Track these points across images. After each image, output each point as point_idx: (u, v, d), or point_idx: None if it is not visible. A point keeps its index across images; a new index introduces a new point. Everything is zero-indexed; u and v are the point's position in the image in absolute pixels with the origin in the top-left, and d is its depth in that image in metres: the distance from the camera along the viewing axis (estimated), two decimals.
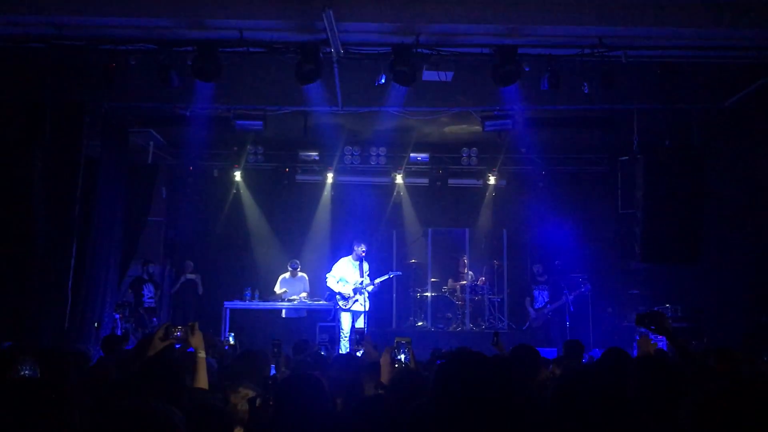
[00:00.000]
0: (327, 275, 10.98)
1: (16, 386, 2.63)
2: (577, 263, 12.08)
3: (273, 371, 5.45)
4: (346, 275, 10.80)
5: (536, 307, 11.70)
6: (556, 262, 11.90)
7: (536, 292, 11.80)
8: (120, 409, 1.92)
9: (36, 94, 8.10)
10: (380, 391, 3.79)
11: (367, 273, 10.85)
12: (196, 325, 3.84)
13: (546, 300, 11.63)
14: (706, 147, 9.48)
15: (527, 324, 11.97)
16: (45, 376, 3.23)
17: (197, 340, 3.80)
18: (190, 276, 12.12)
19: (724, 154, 9.56)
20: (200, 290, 12.13)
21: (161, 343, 3.74)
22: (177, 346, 3.96)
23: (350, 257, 10.91)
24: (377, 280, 10.84)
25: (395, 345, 4.08)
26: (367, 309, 10.73)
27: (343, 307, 10.71)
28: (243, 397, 3.59)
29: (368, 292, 10.72)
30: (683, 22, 7.09)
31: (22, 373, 3.12)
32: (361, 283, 10.69)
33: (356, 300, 10.68)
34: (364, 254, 10.81)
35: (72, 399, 2.56)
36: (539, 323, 11.62)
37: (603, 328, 11.45)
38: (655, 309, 4.68)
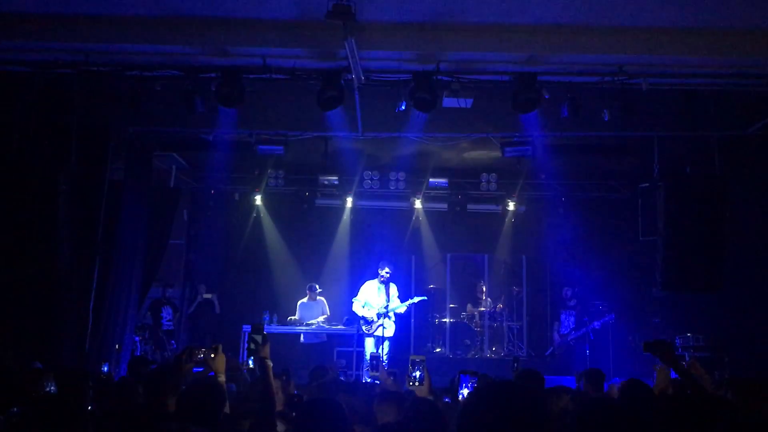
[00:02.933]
0: (353, 299, 11.03)
1: (40, 402, 2.72)
2: (597, 291, 11.97)
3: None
4: (371, 299, 10.81)
5: (562, 332, 11.59)
6: (576, 290, 11.81)
7: (563, 316, 11.69)
8: None
9: (63, 119, 8.26)
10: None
11: (396, 295, 10.87)
12: (220, 347, 3.86)
13: (572, 326, 11.52)
14: (729, 174, 9.40)
15: (550, 350, 11.84)
16: (63, 393, 3.32)
17: (219, 363, 3.81)
18: (206, 296, 12.13)
19: (747, 182, 9.48)
20: (217, 309, 12.13)
21: (184, 366, 3.77)
22: (199, 369, 3.98)
23: (375, 280, 10.95)
24: (404, 304, 10.83)
25: (410, 363, 4.12)
26: (391, 335, 10.74)
27: (366, 332, 10.69)
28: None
29: (394, 315, 10.75)
30: (704, 49, 7.10)
31: (47, 389, 3.22)
32: (386, 306, 10.70)
33: (380, 325, 10.65)
34: (388, 276, 10.83)
35: (87, 414, 2.63)
36: (562, 350, 11.50)
37: (624, 356, 11.30)
38: (663, 338, 4.63)
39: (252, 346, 3.77)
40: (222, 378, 3.76)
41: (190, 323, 12.38)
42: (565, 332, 11.55)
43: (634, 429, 2.48)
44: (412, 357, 4.13)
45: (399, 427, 3.52)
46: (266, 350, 3.79)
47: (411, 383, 4.07)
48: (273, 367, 3.83)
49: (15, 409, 2.55)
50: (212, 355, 3.79)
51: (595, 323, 11.22)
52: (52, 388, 3.25)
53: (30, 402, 2.79)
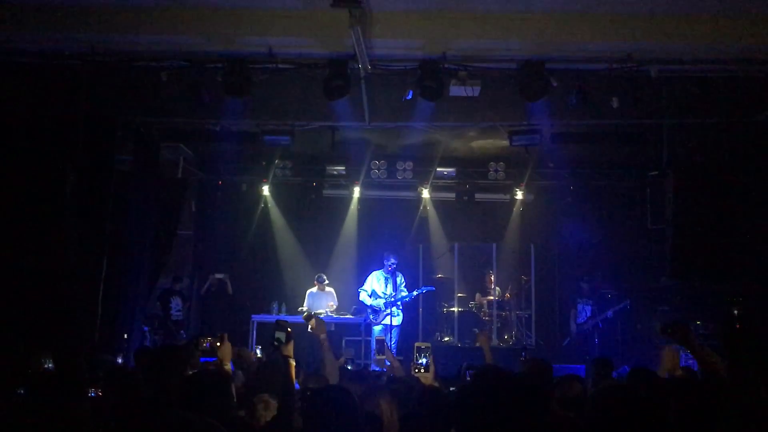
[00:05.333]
0: (360, 290, 11.14)
1: (40, 377, 2.78)
2: (605, 279, 11.94)
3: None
4: (377, 289, 10.98)
5: (578, 322, 11.57)
6: (585, 278, 11.79)
7: (579, 306, 11.66)
8: (162, 422, 1.95)
9: (69, 110, 8.27)
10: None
11: (403, 285, 10.99)
12: (225, 336, 3.88)
13: (588, 315, 11.50)
14: (738, 162, 9.33)
15: (567, 340, 11.81)
16: (61, 372, 3.39)
17: (223, 352, 3.83)
18: (218, 276, 12.09)
19: (757, 169, 9.40)
20: (230, 290, 12.11)
21: (193, 356, 3.80)
22: (211, 359, 4.01)
23: (381, 271, 11.10)
24: (408, 297, 10.98)
25: (415, 350, 4.16)
26: (399, 323, 10.91)
27: (374, 321, 10.85)
28: (265, 404, 3.64)
29: (402, 304, 10.85)
30: (714, 35, 7.03)
31: (46, 366, 3.29)
32: (393, 296, 10.83)
33: (387, 314, 10.81)
34: (393, 267, 10.94)
35: (84, 391, 2.69)
36: (580, 339, 11.48)
37: (632, 345, 11.28)
38: (681, 322, 4.55)
39: (276, 343, 3.77)
40: (227, 366, 3.78)
41: (202, 305, 12.39)
42: (582, 321, 11.53)
43: (647, 414, 2.48)
44: (417, 344, 4.18)
45: (408, 417, 3.53)
46: (290, 348, 3.77)
47: (416, 370, 4.11)
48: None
49: (21, 391, 2.60)
50: (218, 344, 3.82)
51: (609, 312, 11.23)
52: (50, 365, 3.32)
53: (28, 378, 2.85)
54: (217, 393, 3.15)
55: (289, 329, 3.83)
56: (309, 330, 4.53)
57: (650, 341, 11.04)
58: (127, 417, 3.08)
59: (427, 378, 4.23)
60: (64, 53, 7.52)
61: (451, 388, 4.93)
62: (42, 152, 8.27)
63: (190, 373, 3.66)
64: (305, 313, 9.26)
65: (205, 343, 3.83)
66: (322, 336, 4.43)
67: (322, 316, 11.33)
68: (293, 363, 3.75)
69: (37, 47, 7.51)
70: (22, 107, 8.10)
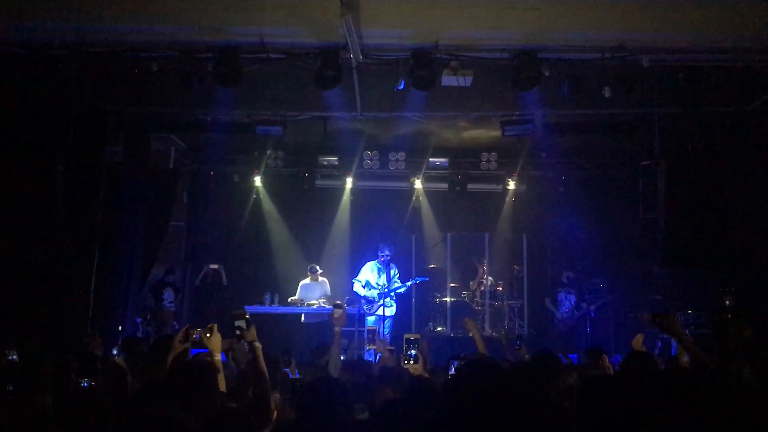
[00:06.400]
0: (354, 280, 11.18)
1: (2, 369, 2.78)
2: (598, 268, 11.97)
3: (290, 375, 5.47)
4: (371, 280, 11.02)
5: (562, 311, 11.61)
6: (577, 268, 11.82)
7: (561, 296, 11.70)
8: (137, 416, 1.95)
9: (59, 101, 8.21)
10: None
11: (397, 276, 11.01)
12: (215, 327, 3.86)
13: (573, 305, 11.54)
14: (730, 151, 9.35)
15: (554, 329, 11.86)
16: (24, 362, 3.38)
17: (214, 343, 3.82)
18: (212, 266, 12.07)
19: (748, 159, 9.43)
20: (224, 281, 12.10)
21: (181, 346, 3.77)
22: (203, 350, 3.98)
23: (375, 262, 11.13)
24: (405, 285, 11.00)
25: (404, 341, 4.18)
26: (393, 314, 10.96)
27: (368, 312, 10.86)
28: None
29: (395, 295, 10.88)
30: (705, 25, 7.02)
31: (10, 358, 3.29)
32: (387, 287, 10.86)
33: (381, 304, 10.84)
34: (387, 258, 10.97)
35: (47, 383, 2.69)
36: (566, 328, 11.53)
37: (624, 333, 11.34)
38: (669, 311, 4.57)
39: (237, 332, 3.80)
40: (217, 357, 3.77)
41: (196, 296, 12.37)
42: (567, 310, 11.57)
43: (634, 403, 2.49)
44: (406, 336, 4.20)
45: (397, 405, 3.53)
46: (252, 333, 3.81)
47: (406, 361, 4.13)
48: (275, 347, 3.85)
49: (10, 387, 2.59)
50: (207, 335, 3.80)
51: (592, 307, 11.31)
52: (14, 357, 3.31)
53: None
54: (202, 385, 3.14)
55: (246, 316, 3.85)
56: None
57: (642, 330, 11.08)
58: (114, 408, 3.07)
59: (416, 369, 4.25)
60: (53, 44, 7.44)
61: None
62: (32, 144, 8.20)
63: (177, 364, 3.65)
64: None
65: (195, 335, 3.81)
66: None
67: (314, 307, 11.36)
68: (259, 346, 3.78)
69: (25, 38, 7.43)
70: (11, 98, 8.02)
